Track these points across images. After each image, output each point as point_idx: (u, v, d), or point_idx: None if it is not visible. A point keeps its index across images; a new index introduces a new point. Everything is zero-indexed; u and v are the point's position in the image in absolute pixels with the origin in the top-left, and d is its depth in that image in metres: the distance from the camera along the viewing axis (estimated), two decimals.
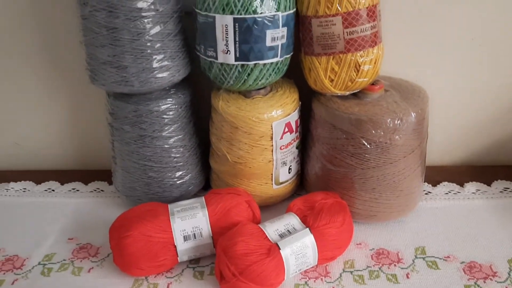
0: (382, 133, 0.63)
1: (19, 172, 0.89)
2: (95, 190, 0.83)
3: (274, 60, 0.64)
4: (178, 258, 0.63)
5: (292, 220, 0.63)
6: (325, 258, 0.62)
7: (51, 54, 0.81)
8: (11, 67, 0.83)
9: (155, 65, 0.64)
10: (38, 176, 0.87)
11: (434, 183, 0.79)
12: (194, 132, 0.75)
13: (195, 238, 0.63)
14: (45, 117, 0.87)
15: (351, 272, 0.63)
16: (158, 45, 0.64)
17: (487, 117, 0.82)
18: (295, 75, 0.72)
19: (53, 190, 0.84)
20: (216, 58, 0.64)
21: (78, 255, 0.68)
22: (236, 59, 0.63)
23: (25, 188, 0.85)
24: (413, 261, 0.64)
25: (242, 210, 0.66)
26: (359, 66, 0.64)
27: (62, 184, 0.85)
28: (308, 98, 0.72)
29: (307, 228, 0.61)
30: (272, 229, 0.62)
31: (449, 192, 0.77)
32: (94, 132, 0.87)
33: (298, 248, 0.59)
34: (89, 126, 0.87)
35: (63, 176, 0.87)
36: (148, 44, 0.63)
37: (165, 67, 0.65)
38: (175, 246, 0.62)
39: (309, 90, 0.70)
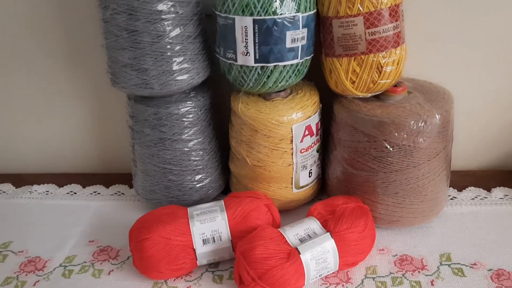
0: (406, 135, 0.61)
1: (42, 175, 0.90)
2: (116, 193, 0.84)
3: (294, 61, 0.63)
4: (197, 261, 0.63)
5: (312, 225, 0.62)
6: (346, 264, 0.61)
7: (74, 58, 0.82)
8: (34, 71, 0.84)
9: (175, 67, 0.64)
10: (61, 179, 0.88)
11: (460, 188, 0.77)
12: (214, 135, 0.75)
13: (214, 241, 0.62)
14: (67, 121, 0.88)
15: (373, 278, 0.61)
16: (178, 47, 0.64)
17: None
18: (316, 77, 0.71)
19: (75, 193, 0.85)
20: (236, 60, 0.63)
21: (99, 257, 0.68)
22: (256, 61, 0.62)
23: (47, 191, 0.86)
24: (438, 268, 0.62)
25: (262, 213, 0.65)
26: (381, 67, 0.62)
27: (84, 187, 0.86)
28: (329, 101, 0.71)
29: (328, 233, 0.60)
30: (292, 233, 0.61)
31: (476, 197, 0.75)
32: (116, 136, 0.88)
33: (319, 253, 0.58)
34: (111, 130, 0.88)
35: (85, 179, 0.88)
36: (168, 46, 0.63)
37: (184, 70, 0.65)
38: (194, 250, 0.62)
39: (330, 92, 0.69)
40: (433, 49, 0.75)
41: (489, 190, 0.76)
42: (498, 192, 0.76)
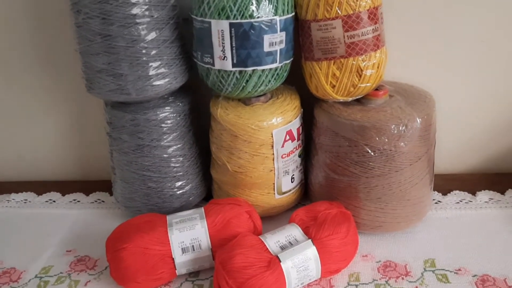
0: (387, 140, 0.61)
1: (20, 183, 0.88)
2: (95, 201, 0.82)
3: (273, 66, 0.62)
4: (176, 271, 0.61)
5: (294, 231, 0.61)
6: (329, 271, 0.60)
7: (51, 65, 0.81)
8: (10, 78, 0.83)
9: (151, 72, 0.63)
10: (40, 187, 0.86)
11: (445, 192, 0.76)
12: (194, 141, 0.74)
13: (193, 250, 0.61)
14: (46, 127, 0.87)
15: (357, 285, 0.60)
16: (154, 52, 0.62)
17: (499, 123, 0.79)
18: (297, 81, 0.70)
19: (54, 201, 0.83)
20: (213, 64, 0.62)
21: (76, 267, 0.67)
22: (234, 65, 0.61)
23: (26, 199, 0.84)
24: (422, 274, 0.61)
25: (243, 221, 0.64)
26: (361, 70, 0.62)
27: (63, 195, 0.84)
28: (311, 105, 0.70)
29: (310, 240, 0.59)
30: (273, 240, 0.59)
31: (461, 201, 0.74)
32: (96, 142, 0.86)
33: (300, 261, 0.57)
34: (90, 136, 0.87)
35: (65, 186, 0.86)
36: (144, 51, 0.62)
37: (161, 75, 0.64)
38: (173, 259, 0.60)
39: (311, 96, 0.68)
40: (414, 51, 0.74)
41: (474, 193, 0.76)
42: (483, 195, 0.75)
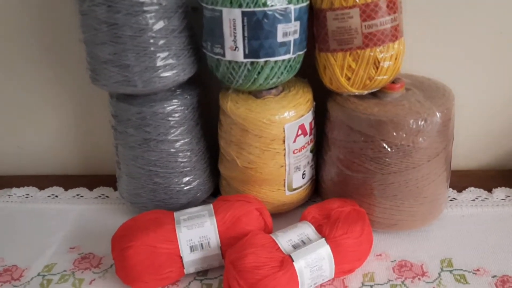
0: (404, 135, 0.58)
1: (22, 177, 0.87)
2: (99, 196, 0.80)
3: (286, 57, 0.60)
4: (184, 270, 0.60)
5: (306, 230, 0.59)
6: (342, 271, 0.58)
7: (54, 55, 0.79)
8: (13, 70, 0.81)
9: (159, 63, 0.61)
10: (42, 181, 0.85)
11: (460, 189, 0.74)
12: (201, 136, 0.72)
13: (202, 248, 0.59)
14: (48, 120, 0.85)
15: (371, 286, 0.59)
16: (162, 42, 0.60)
17: None
18: (309, 73, 0.68)
19: (56, 196, 0.81)
20: (224, 55, 0.60)
21: (80, 265, 0.65)
22: (245, 56, 0.59)
23: (28, 194, 0.82)
24: (439, 274, 0.59)
25: (253, 218, 0.62)
26: (379, 62, 0.59)
27: (66, 189, 0.83)
28: (323, 98, 0.68)
29: (323, 239, 0.57)
30: (285, 239, 0.58)
31: (476, 198, 0.72)
32: (100, 136, 0.85)
33: (313, 260, 0.55)
34: (94, 129, 0.85)
35: (68, 181, 0.84)
36: (151, 41, 0.59)
37: (169, 66, 0.62)
38: (181, 257, 0.59)
39: (325, 89, 0.66)
40: (432, 43, 0.72)
41: (490, 190, 0.74)
42: (500, 192, 0.73)
